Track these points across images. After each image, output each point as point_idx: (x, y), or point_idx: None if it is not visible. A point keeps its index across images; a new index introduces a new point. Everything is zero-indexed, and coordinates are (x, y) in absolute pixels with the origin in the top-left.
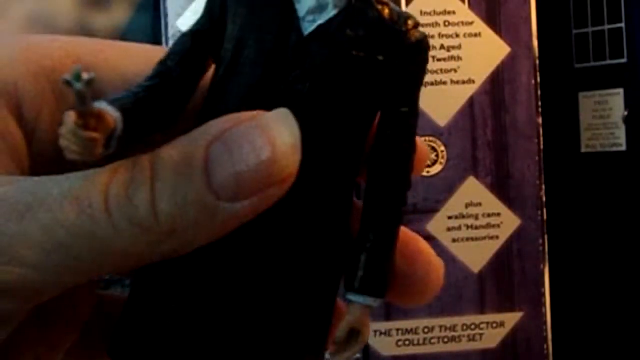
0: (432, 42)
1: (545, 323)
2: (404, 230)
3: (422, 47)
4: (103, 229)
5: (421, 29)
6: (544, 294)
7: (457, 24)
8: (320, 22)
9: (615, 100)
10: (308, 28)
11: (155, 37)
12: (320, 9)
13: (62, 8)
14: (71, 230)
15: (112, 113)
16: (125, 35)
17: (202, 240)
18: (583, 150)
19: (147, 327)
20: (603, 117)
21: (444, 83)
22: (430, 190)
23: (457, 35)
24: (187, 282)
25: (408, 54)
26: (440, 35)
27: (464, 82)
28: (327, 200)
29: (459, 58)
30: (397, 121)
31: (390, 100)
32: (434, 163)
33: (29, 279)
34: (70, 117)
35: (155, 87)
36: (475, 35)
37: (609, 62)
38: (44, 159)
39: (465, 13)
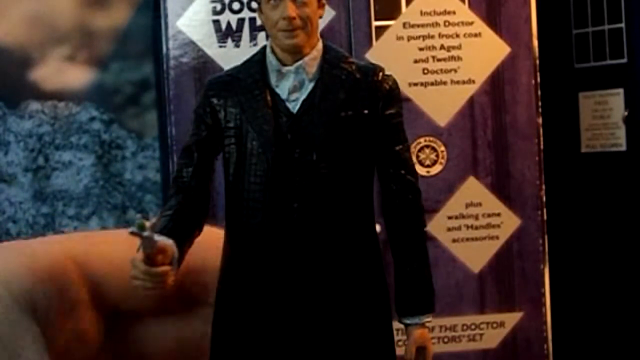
0: (432, 42)
1: (545, 323)
2: None
3: (395, 88)
4: None
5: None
6: (544, 294)
7: (457, 24)
8: (302, 97)
9: (615, 100)
10: (295, 106)
11: (155, 37)
12: (299, 86)
13: (62, 8)
14: None
15: (168, 242)
16: (125, 35)
17: None
18: (583, 150)
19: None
20: (603, 117)
21: (444, 83)
22: (430, 190)
23: (457, 35)
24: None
25: (387, 100)
26: (440, 35)
27: (464, 82)
28: (354, 238)
29: (459, 58)
30: (396, 158)
31: (383, 142)
32: (434, 163)
33: None
34: (137, 260)
35: (181, 202)
36: (475, 35)
37: (609, 62)
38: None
39: (465, 13)
